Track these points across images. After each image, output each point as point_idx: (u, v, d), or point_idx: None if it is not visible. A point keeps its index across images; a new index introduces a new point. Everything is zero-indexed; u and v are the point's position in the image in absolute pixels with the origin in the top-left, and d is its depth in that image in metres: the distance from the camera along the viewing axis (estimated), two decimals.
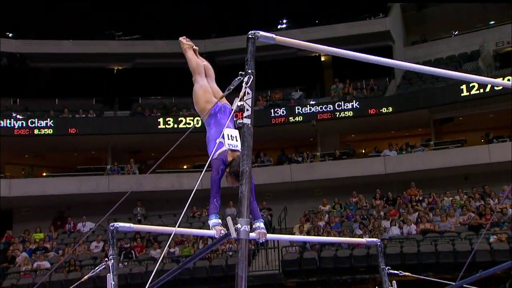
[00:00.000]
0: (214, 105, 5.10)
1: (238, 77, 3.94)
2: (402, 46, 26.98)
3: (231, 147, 4.68)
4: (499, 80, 6.16)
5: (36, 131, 23.09)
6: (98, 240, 19.98)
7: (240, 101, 3.97)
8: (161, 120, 23.96)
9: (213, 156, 4.76)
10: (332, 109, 23.53)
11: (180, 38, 6.01)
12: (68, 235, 21.35)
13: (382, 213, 19.74)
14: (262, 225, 4.79)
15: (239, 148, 4.63)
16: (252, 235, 4.70)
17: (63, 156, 26.41)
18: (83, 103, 25.87)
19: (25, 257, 19.30)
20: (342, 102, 23.56)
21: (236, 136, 4.68)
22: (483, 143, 22.10)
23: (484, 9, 26.47)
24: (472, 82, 20.62)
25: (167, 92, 27.42)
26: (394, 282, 6.52)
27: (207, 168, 4.39)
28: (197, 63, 5.77)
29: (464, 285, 6.27)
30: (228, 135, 4.67)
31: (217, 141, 4.81)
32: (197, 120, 23.46)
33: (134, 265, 18.46)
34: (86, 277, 5.36)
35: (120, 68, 28.19)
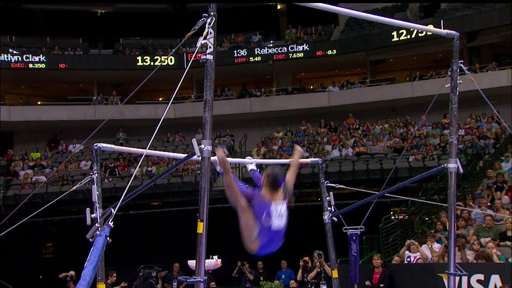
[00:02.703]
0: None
1: (202, 19, 3.85)
2: None
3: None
4: (422, 26, 6.15)
5: (30, 65, 22.56)
6: (86, 159, 19.85)
7: (203, 39, 3.90)
8: (139, 58, 23.45)
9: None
10: (286, 51, 23.34)
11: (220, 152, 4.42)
12: (61, 155, 21.14)
13: (325, 139, 19.99)
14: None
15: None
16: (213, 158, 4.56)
17: (55, 87, 25.81)
18: (71, 41, 25.24)
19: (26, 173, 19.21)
20: (295, 45, 23.36)
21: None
22: (408, 81, 22.33)
23: None
24: (402, 29, 20.67)
25: (145, 34, 26.84)
26: (331, 193, 6.67)
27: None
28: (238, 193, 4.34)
29: (386, 194, 6.47)
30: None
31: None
32: (171, 59, 23.09)
33: (117, 181, 18.48)
34: (75, 187, 5.35)
35: (103, 11, 27.21)
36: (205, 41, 3.88)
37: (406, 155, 16.81)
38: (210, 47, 3.86)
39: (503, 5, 20.77)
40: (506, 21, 19.95)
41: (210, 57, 3.88)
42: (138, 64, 23.24)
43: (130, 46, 25.10)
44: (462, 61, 4.62)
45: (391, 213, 15.20)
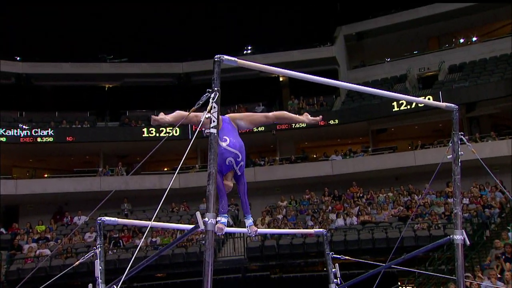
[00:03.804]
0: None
1: (206, 94, 3.92)
2: (345, 69, 27.25)
3: None
4: (421, 98, 6.25)
5: (39, 139, 22.86)
6: (91, 231, 19.63)
7: (208, 113, 3.96)
8: (145, 129, 23.75)
9: None
10: None
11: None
12: (66, 227, 20.94)
13: (330, 207, 19.83)
14: (224, 220, 4.59)
15: None
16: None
17: (62, 160, 26.01)
18: (79, 115, 25.64)
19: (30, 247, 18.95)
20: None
21: None
22: (410, 150, 22.41)
23: (410, 40, 27.02)
24: (401, 100, 21.00)
25: (150, 106, 27.33)
26: (336, 264, 6.53)
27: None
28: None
29: (392, 266, 6.32)
30: None
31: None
32: (176, 130, 23.38)
33: (121, 252, 18.20)
34: (77, 262, 5.26)
35: (110, 86, 27.87)
36: (209, 115, 3.94)
37: (412, 224, 16.61)
38: (214, 121, 3.92)
39: (498, 78, 21.33)
40: (501, 94, 20.52)
41: (214, 130, 3.93)
42: (144, 135, 23.51)
43: (136, 118, 25.47)
44: (462, 132, 4.66)
45: (399, 283, 14.81)
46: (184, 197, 22.09)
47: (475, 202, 17.59)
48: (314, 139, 25.56)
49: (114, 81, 27.45)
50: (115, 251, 18.39)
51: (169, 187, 4.11)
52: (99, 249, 4.50)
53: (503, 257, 11.90)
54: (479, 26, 26.83)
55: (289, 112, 24.52)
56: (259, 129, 23.71)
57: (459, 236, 4.64)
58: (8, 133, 22.43)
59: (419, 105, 20.71)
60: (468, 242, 4.68)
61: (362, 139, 25.30)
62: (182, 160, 4.33)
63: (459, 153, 4.65)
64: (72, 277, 16.40)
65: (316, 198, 21.09)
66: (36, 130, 22.95)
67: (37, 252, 18.51)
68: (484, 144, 20.03)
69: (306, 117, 5.04)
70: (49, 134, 23.01)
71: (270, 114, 5.24)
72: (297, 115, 5.15)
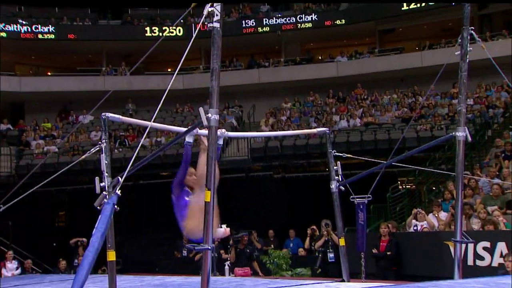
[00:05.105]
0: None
1: None
2: None
3: None
4: None
5: (40, 36, 22.54)
6: (96, 130, 19.87)
7: (210, 7, 3.83)
8: (147, 28, 23.33)
9: None
10: (294, 21, 23.09)
11: (202, 137, 4.87)
12: (71, 125, 21.21)
13: (334, 109, 19.88)
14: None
15: None
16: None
17: (65, 58, 25.66)
18: (80, 12, 24.86)
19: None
20: (303, 15, 23.06)
21: None
22: (417, 50, 22.01)
23: None
24: None
25: (153, 4, 26.50)
26: (338, 162, 6.62)
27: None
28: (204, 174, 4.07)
29: (394, 163, 6.42)
30: None
31: None
32: (179, 29, 22.87)
33: (127, 151, 18.53)
34: (83, 156, 5.35)
35: None
36: (212, 8, 3.81)
37: (414, 125, 16.69)
38: (217, 15, 3.80)
39: None
40: None
41: (217, 25, 3.83)
42: (146, 34, 23.12)
43: (138, 16, 24.88)
44: (473, 27, 4.51)
45: (399, 182, 15.19)
46: (188, 98, 22.10)
47: (479, 103, 17.55)
48: (320, 40, 25.04)
49: None
50: (120, 149, 18.73)
51: (169, 87, 4.07)
52: (104, 144, 4.55)
53: (503, 155, 12.06)
54: None
55: (295, 11, 23.26)
56: (264, 29, 23.21)
57: (461, 133, 4.66)
58: (8, 28, 22.03)
59: (430, 3, 20.05)
60: (470, 139, 4.70)
61: (368, 40, 24.77)
62: (182, 60, 4.23)
63: (468, 49, 4.54)
64: (80, 173, 16.85)
65: (320, 100, 21.08)
66: (37, 26, 22.54)
67: (45, 149, 18.91)
68: (494, 43, 19.57)
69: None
70: (50, 31, 22.64)
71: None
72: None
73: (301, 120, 19.28)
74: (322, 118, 19.13)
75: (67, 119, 22.13)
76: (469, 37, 4.49)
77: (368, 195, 6.54)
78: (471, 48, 4.55)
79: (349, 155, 6.79)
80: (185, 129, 4.82)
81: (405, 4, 21.06)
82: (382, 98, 19.94)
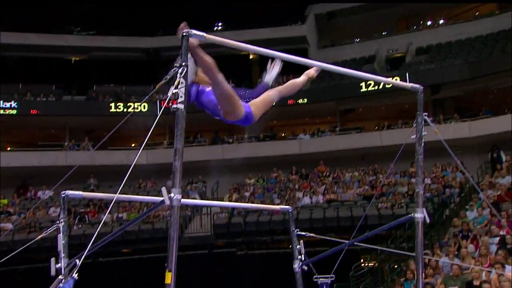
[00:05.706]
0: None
1: (174, 69, 3.86)
2: (315, 49, 27.26)
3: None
4: (389, 79, 6.31)
5: (1, 111, 22.33)
6: (55, 206, 19.37)
7: (175, 89, 3.91)
8: (112, 104, 23.43)
9: None
10: None
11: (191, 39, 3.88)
12: (29, 201, 20.62)
13: (296, 185, 20.01)
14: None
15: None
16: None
17: (26, 133, 25.39)
18: (44, 87, 24.99)
19: None
20: None
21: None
22: (377, 130, 22.71)
23: (379, 22, 27.18)
24: (369, 80, 21.18)
25: (118, 81, 26.83)
26: (301, 241, 6.59)
27: None
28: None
29: (356, 243, 6.44)
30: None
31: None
32: (144, 105, 23.06)
33: (87, 228, 18.03)
34: (40, 236, 5.19)
35: (77, 58, 27.25)
36: (176, 90, 3.89)
37: (376, 202, 16.92)
38: (181, 97, 3.87)
39: (462, 61, 21.76)
40: (465, 77, 21.00)
41: (181, 106, 3.89)
42: (111, 110, 23.18)
43: (103, 92, 25.04)
44: (426, 113, 4.73)
45: (361, 260, 15.13)
46: (152, 174, 21.92)
47: (436, 182, 18.01)
48: (283, 118, 25.58)
49: (81, 54, 26.85)
50: (80, 226, 18.21)
51: (134, 162, 4.05)
52: (62, 223, 4.43)
53: (460, 235, 12.27)
54: (446, 8, 27.18)
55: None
56: None
57: (419, 215, 4.74)
58: None
59: (386, 86, 20.96)
60: (428, 220, 4.79)
61: (330, 118, 25.48)
62: (148, 136, 4.25)
63: (423, 133, 4.73)
64: (36, 251, 16.18)
65: (284, 177, 21.23)
66: None
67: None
68: (447, 126, 20.46)
69: (308, 74, 4.95)
70: (12, 106, 22.47)
71: (281, 88, 4.88)
72: (300, 78, 4.98)
73: (265, 196, 19.29)
74: (285, 194, 19.20)
75: (25, 195, 21.49)
76: (423, 122, 4.70)
77: (331, 275, 6.47)
78: (425, 133, 4.76)
79: (311, 234, 6.78)
80: (152, 198, 4.75)
81: (363, 86, 21.95)
82: (344, 175, 20.24)
